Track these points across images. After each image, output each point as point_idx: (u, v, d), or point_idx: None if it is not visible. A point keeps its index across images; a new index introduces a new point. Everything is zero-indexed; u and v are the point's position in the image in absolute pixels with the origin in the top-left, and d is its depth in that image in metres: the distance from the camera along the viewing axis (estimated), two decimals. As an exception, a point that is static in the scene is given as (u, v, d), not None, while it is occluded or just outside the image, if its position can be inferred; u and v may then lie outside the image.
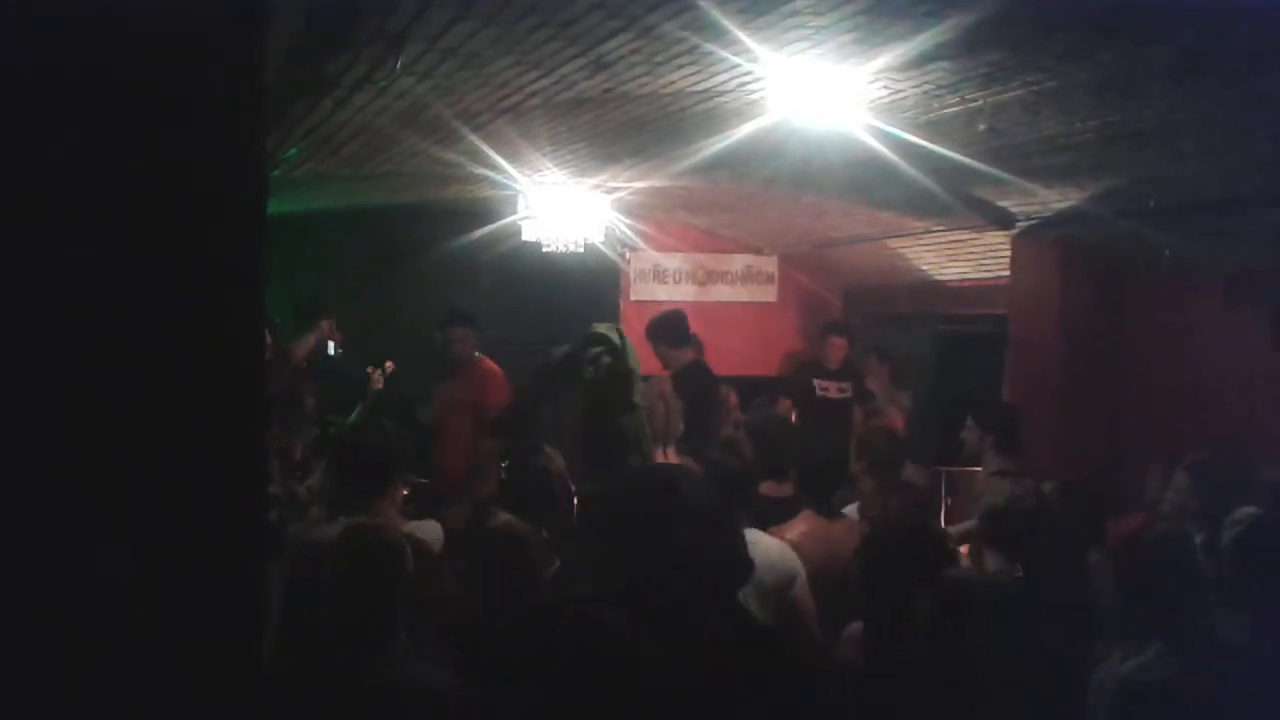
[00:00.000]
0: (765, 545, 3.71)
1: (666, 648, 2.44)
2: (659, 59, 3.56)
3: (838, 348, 7.66)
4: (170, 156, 1.88)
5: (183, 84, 1.88)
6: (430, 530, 3.88)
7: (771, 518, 4.13)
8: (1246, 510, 3.65)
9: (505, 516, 3.78)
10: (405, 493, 4.50)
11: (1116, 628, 3.29)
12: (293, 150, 4.55)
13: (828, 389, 7.56)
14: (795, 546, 3.82)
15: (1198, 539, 4.03)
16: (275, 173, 4.79)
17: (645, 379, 6.30)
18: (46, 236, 1.81)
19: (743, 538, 2.78)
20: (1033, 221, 5.90)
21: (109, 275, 1.84)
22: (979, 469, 5.27)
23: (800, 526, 4.07)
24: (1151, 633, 3.03)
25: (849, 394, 7.65)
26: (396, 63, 3.39)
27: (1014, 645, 2.98)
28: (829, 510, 4.18)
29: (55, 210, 1.82)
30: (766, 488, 4.47)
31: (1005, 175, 4.90)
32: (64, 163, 1.82)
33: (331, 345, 6.61)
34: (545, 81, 3.84)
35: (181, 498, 1.88)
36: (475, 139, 4.76)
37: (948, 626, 2.90)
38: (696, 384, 6.04)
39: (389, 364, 6.65)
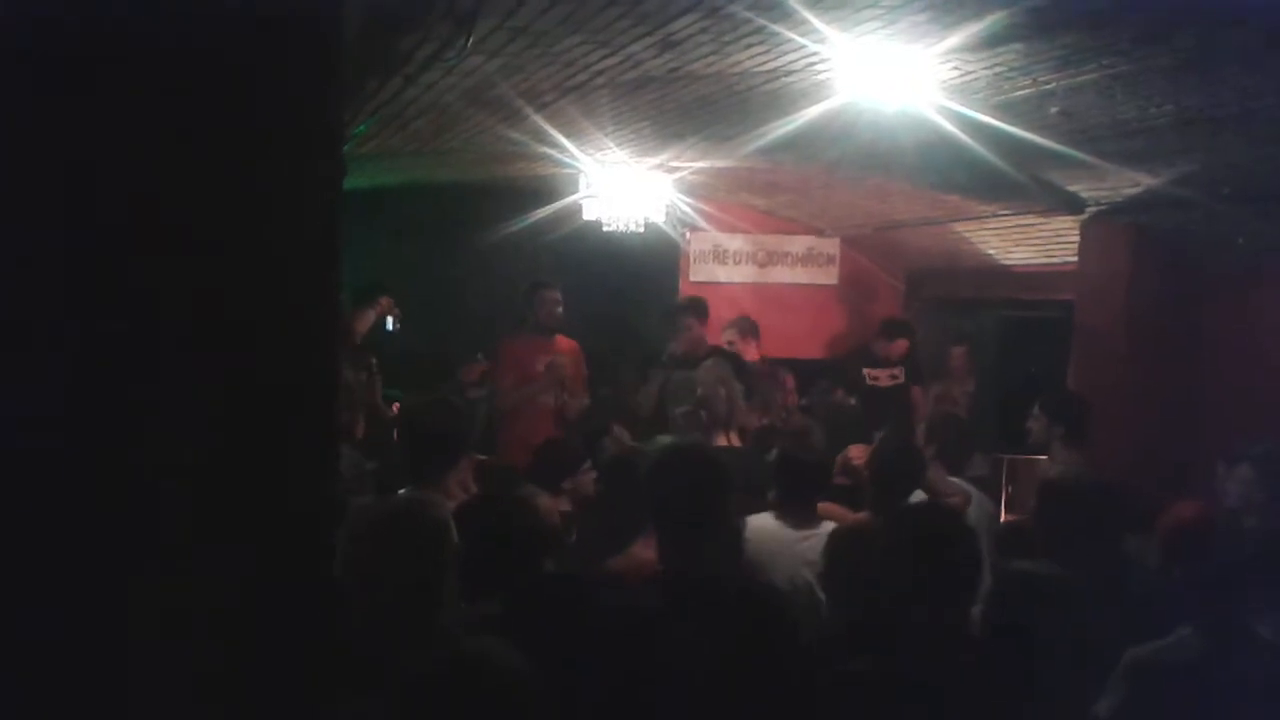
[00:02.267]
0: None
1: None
2: (727, 38, 3.54)
3: (897, 348, 7.61)
4: (247, 131, 1.91)
5: (261, 59, 1.91)
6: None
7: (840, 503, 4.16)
8: None
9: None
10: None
11: (1152, 613, 3.26)
12: (361, 127, 4.59)
13: (878, 378, 7.50)
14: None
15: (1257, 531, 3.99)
16: (345, 148, 4.84)
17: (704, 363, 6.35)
18: (123, 211, 1.85)
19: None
20: (1103, 207, 5.80)
21: (185, 249, 1.88)
22: (1042, 457, 5.21)
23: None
24: (1183, 619, 3.00)
25: (900, 380, 7.58)
26: (467, 41, 3.41)
27: (1070, 635, 2.97)
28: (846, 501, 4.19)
29: (133, 184, 1.86)
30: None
31: (1077, 157, 4.81)
32: (142, 137, 1.85)
33: (390, 321, 6.72)
34: (612, 60, 3.84)
35: (254, 471, 1.91)
36: (539, 117, 4.77)
37: (1009, 617, 2.88)
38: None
39: (384, 300, 6.55)
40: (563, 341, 6.51)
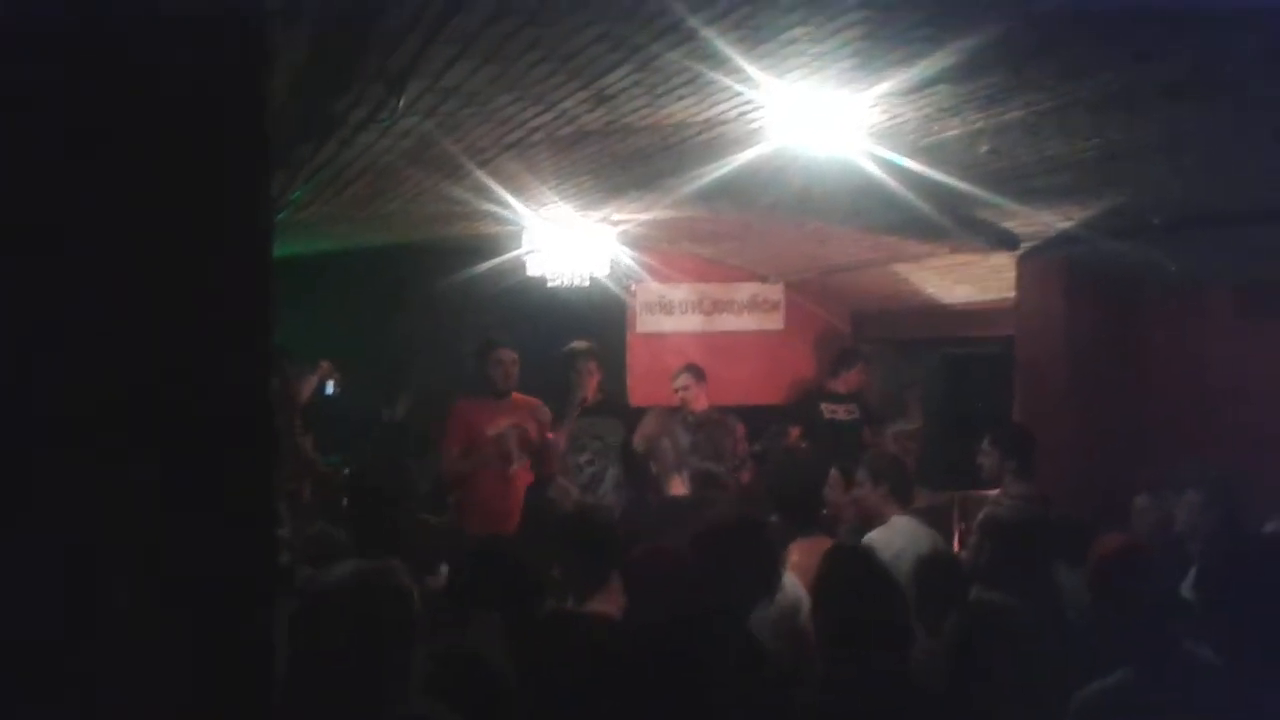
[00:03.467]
0: None
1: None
2: (660, 90, 3.57)
3: (853, 377, 7.65)
4: (177, 199, 1.89)
5: (187, 126, 1.89)
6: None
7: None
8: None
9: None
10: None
11: (1089, 647, 3.27)
12: (298, 193, 4.56)
13: (836, 411, 7.53)
14: (795, 574, 3.83)
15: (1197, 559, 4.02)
16: (280, 215, 4.81)
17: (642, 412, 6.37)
18: (53, 277, 1.82)
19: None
20: (1036, 242, 5.90)
21: (118, 316, 1.85)
22: (992, 491, 5.24)
23: (793, 556, 4.07)
24: (1123, 654, 3.00)
25: (856, 415, 7.62)
26: (399, 102, 3.41)
27: (1020, 666, 2.98)
28: (812, 532, 4.19)
29: (62, 250, 1.82)
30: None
31: (1006, 200, 4.90)
32: (70, 204, 1.83)
33: (330, 384, 6.67)
34: (547, 116, 3.86)
35: (192, 540, 1.87)
36: (479, 175, 4.77)
37: (967, 648, 2.89)
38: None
39: (324, 364, 6.51)
40: (519, 399, 6.36)
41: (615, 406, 6.91)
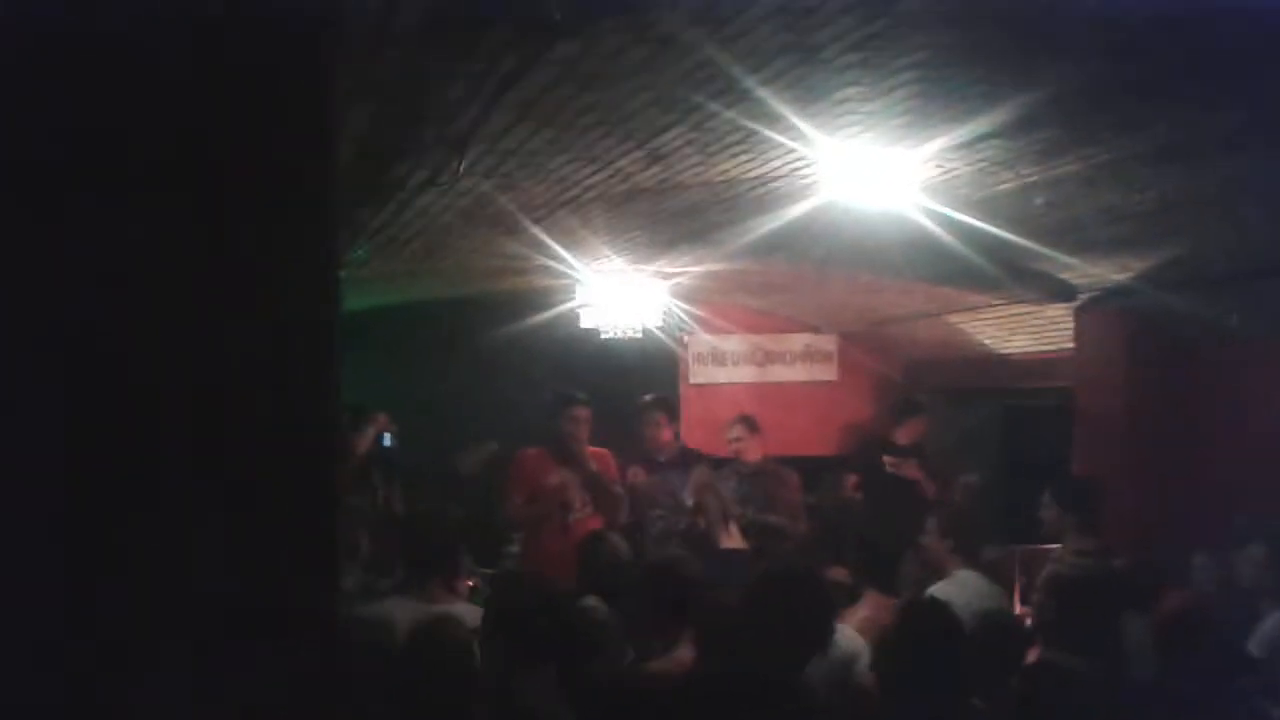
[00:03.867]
0: None
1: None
2: (713, 148, 3.62)
3: (915, 427, 7.55)
4: (246, 260, 1.95)
5: (258, 192, 1.95)
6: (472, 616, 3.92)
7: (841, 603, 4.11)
8: None
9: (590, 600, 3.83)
10: (471, 584, 4.56)
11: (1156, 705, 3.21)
12: (360, 251, 4.66)
13: (898, 465, 7.42)
14: (860, 630, 3.79)
15: (1277, 613, 3.94)
16: (343, 274, 4.91)
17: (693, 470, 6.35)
18: (129, 351, 1.88)
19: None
20: (1094, 293, 5.86)
21: (191, 379, 1.90)
22: (1053, 546, 5.16)
23: (863, 610, 4.04)
24: (1191, 712, 2.95)
25: (919, 470, 7.51)
26: (460, 165, 3.48)
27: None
28: (892, 589, 4.14)
29: (144, 314, 1.88)
30: (835, 573, 4.46)
31: (1061, 253, 4.88)
32: (142, 278, 1.89)
33: (387, 436, 6.75)
34: (602, 175, 3.92)
35: (255, 592, 1.91)
36: (534, 230, 4.84)
37: (1031, 709, 2.85)
38: None
39: (381, 417, 6.56)
40: (592, 451, 6.29)
41: (690, 460, 6.88)
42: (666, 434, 6.83)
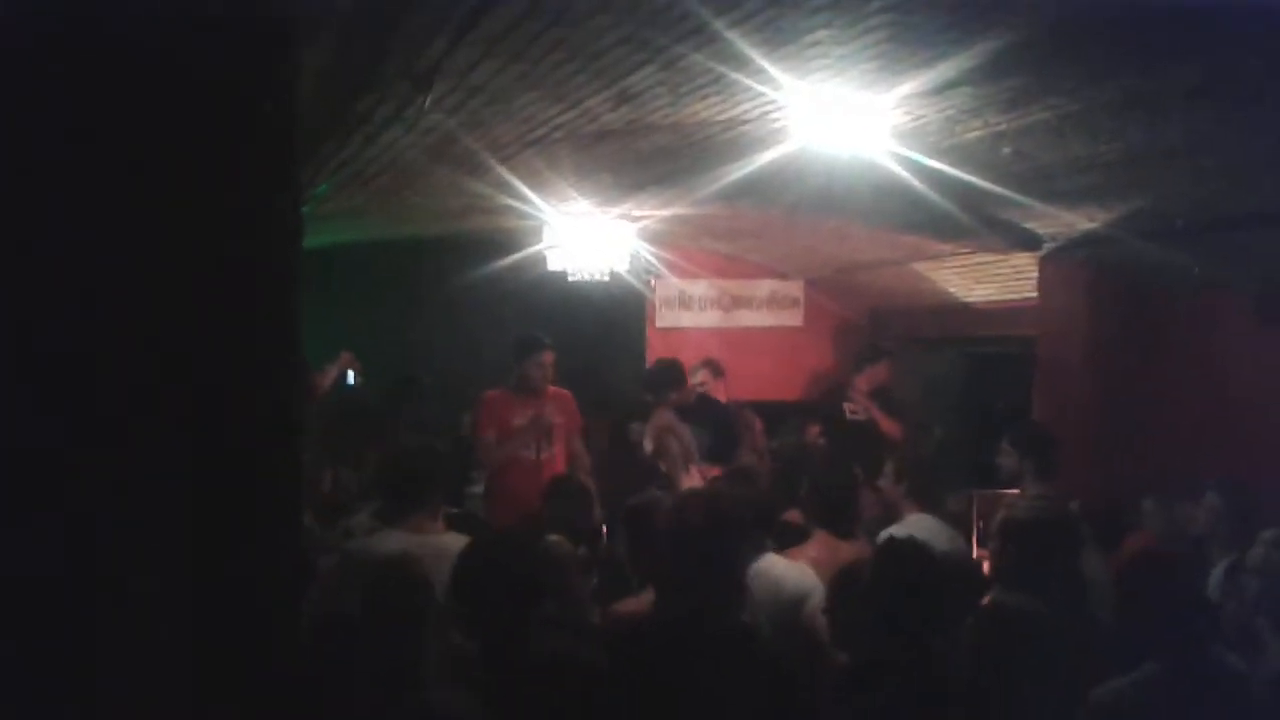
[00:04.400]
0: (779, 568, 3.83)
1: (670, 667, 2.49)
2: (683, 90, 3.59)
3: (878, 373, 7.60)
4: (206, 194, 1.92)
5: (218, 124, 1.92)
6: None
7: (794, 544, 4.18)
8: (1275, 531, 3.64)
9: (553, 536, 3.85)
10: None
11: (1114, 646, 3.29)
12: (323, 187, 4.60)
13: (857, 411, 7.50)
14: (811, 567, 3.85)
15: (1225, 562, 4.02)
16: (306, 209, 4.85)
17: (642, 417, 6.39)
18: (84, 279, 1.85)
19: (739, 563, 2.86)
20: (1059, 243, 5.89)
21: (146, 308, 1.88)
22: (1012, 491, 5.24)
23: (811, 550, 4.09)
24: (1147, 653, 3.02)
25: (880, 413, 7.57)
26: (425, 100, 3.43)
27: (1041, 669, 2.98)
28: (843, 531, 4.19)
29: (91, 253, 1.86)
30: (792, 515, 4.51)
31: (1029, 200, 4.90)
32: (99, 205, 1.86)
33: (352, 375, 6.73)
34: (570, 114, 3.88)
35: (217, 530, 1.91)
36: (501, 170, 4.80)
37: (987, 650, 2.90)
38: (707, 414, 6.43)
39: (346, 355, 6.61)
40: (553, 391, 6.35)
41: (708, 407, 6.93)
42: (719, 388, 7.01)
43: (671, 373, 6.80)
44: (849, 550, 4.06)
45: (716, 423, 6.57)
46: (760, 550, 3.83)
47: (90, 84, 1.84)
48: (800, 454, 5.93)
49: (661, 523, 3.11)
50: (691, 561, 2.87)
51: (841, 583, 3.34)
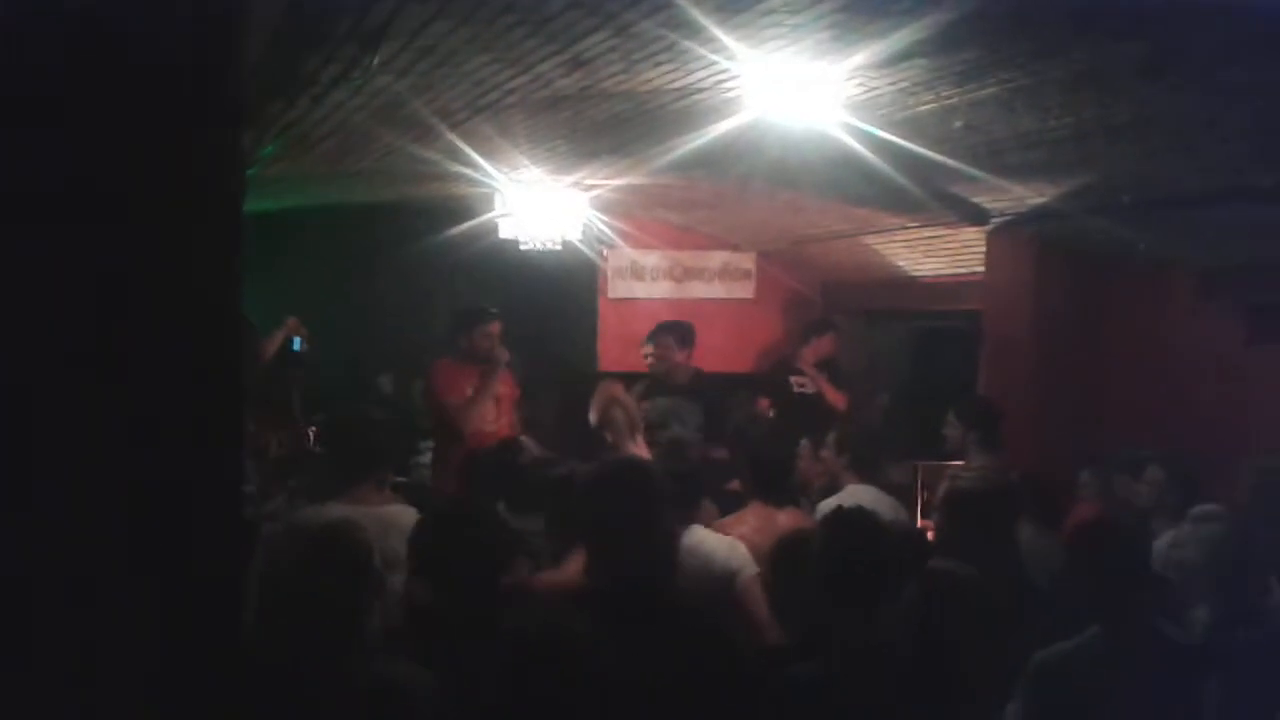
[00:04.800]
0: (709, 544, 3.81)
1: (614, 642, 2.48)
2: (636, 57, 3.56)
3: (825, 344, 7.63)
4: (147, 154, 1.88)
5: (159, 82, 1.88)
6: (408, 517, 3.90)
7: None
8: (1207, 508, 3.71)
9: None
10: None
11: (1052, 612, 3.34)
12: (269, 148, 4.53)
13: (804, 384, 7.55)
14: (745, 539, 3.86)
15: (1169, 534, 4.10)
16: (251, 171, 4.77)
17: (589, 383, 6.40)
18: (23, 237, 1.81)
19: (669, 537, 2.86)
20: (1007, 218, 5.94)
21: (86, 272, 1.84)
22: (956, 462, 5.31)
23: (748, 519, 4.11)
24: (1091, 619, 3.07)
25: (827, 387, 7.62)
26: (373, 60, 3.38)
27: (985, 635, 3.02)
28: (777, 500, 4.22)
29: (32, 210, 1.81)
30: (732, 485, 4.56)
31: (979, 172, 4.93)
32: (41, 162, 1.81)
33: (298, 341, 6.65)
34: (522, 79, 3.84)
35: (159, 495, 1.88)
36: (452, 136, 4.75)
37: (928, 618, 2.93)
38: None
39: (292, 321, 6.58)
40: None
41: (703, 384, 6.94)
42: (679, 357, 6.91)
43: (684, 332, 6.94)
44: (786, 519, 4.08)
45: (709, 399, 6.58)
46: (687, 523, 3.81)
47: (23, 34, 1.78)
48: (749, 426, 5.96)
49: (579, 491, 3.08)
50: (612, 529, 2.85)
51: (783, 552, 3.35)
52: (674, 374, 6.90)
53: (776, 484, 4.26)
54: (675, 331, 7.22)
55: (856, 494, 4.46)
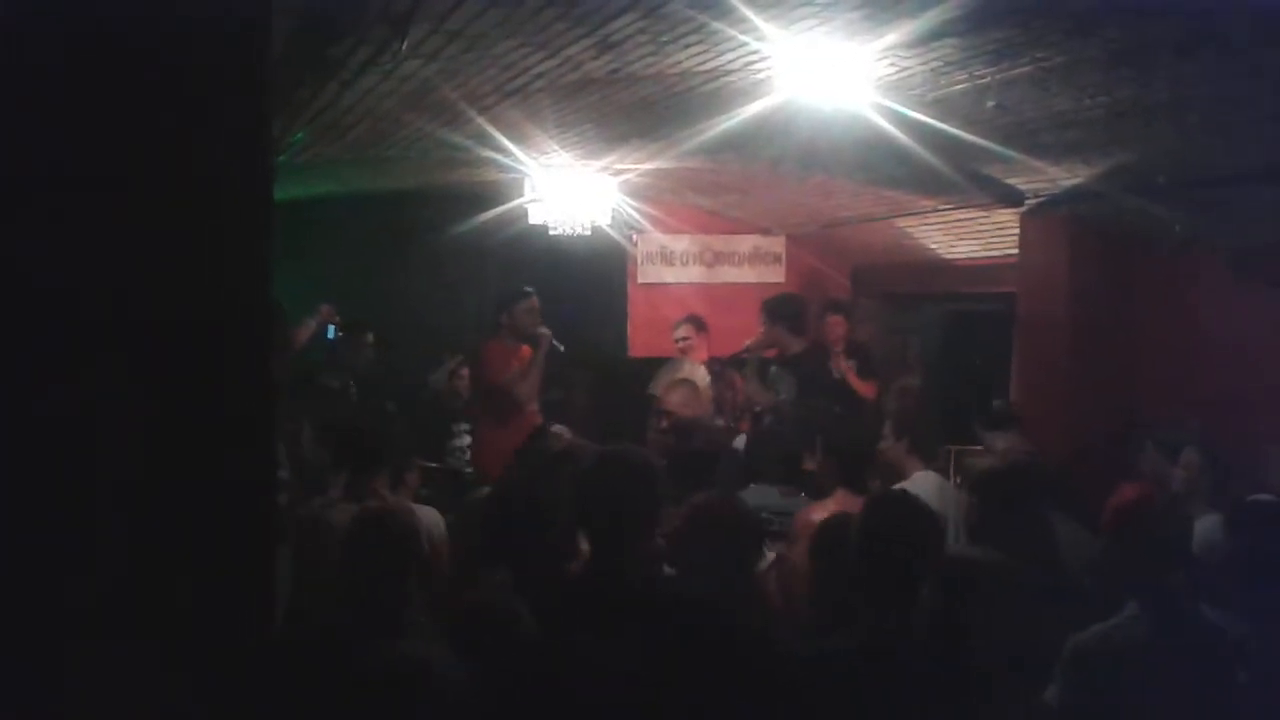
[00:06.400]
0: None
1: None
2: (665, 39, 3.54)
3: (835, 325, 7.53)
4: (176, 142, 1.88)
5: (188, 69, 1.87)
6: (429, 516, 3.91)
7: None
8: (1263, 497, 3.66)
9: None
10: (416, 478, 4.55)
11: (1094, 595, 3.31)
12: (299, 135, 4.54)
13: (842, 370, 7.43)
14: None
15: (1207, 518, 4.05)
16: (281, 158, 4.79)
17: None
18: (52, 225, 1.81)
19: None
20: (1041, 199, 5.88)
21: (116, 262, 1.84)
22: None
23: (831, 505, 4.09)
24: (1130, 600, 3.04)
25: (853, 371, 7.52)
26: (402, 45, 3.38)
27: (1012, 621, 2.99)
28: (860, 488, 4.20)
29: (61, 198, 1.82)
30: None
31: (1013, 153, 4.88)
32: (70, 150, 1.82)
33: (331, 329, 6.69)
34: (551, 63, 3.83)
35: (190, 483, 1.88)
36: (481, 121, 4.75)
37: (952, 604, 2.91)
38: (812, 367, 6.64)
39: (325, 308, 6.63)
40: (526, 349, 6.42)
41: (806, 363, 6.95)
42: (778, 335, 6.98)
43: (794, 305, 6.98)
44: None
45: (807, 377, 6.61)
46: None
47: (50, 25, 1.79)
48: (811, 414, 5.94)
49: (580, 476, 3.08)
50: (601, 515, 2.84)
51: (825, 534, 3.33)
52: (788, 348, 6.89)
53: (861, 473, 4.28)
54: (695, 321, 7.36)
55: (921, 481, 4.44)
